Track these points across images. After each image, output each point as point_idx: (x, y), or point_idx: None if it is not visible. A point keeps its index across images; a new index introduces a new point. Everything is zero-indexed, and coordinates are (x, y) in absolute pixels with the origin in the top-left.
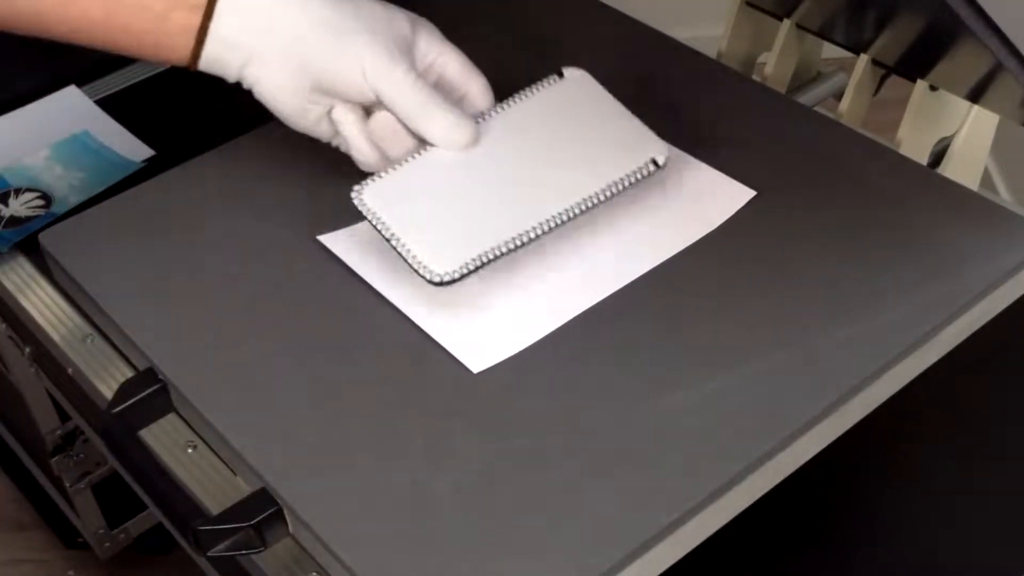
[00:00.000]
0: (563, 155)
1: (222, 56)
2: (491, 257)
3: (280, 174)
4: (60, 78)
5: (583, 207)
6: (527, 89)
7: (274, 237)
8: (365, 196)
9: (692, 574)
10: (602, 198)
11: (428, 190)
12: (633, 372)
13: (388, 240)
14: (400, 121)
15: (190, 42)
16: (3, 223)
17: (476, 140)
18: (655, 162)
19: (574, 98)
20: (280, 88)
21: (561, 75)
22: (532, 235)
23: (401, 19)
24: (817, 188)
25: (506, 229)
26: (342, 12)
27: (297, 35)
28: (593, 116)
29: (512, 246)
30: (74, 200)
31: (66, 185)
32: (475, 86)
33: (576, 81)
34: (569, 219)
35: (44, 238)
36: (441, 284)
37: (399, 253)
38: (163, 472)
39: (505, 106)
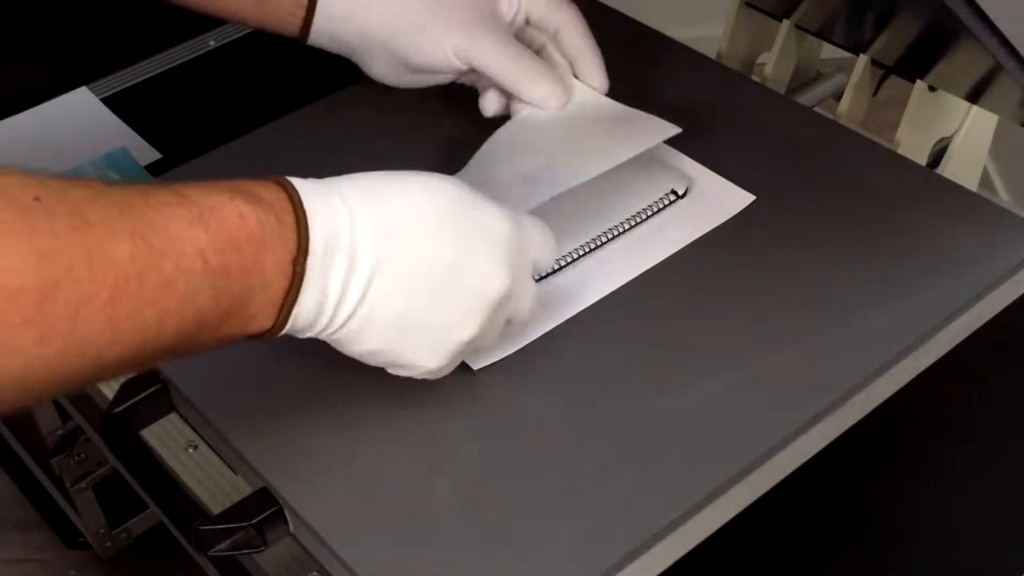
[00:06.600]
0: (585, 199)
1: (329, 46)
2: None
3: (281, 174)
4: (70, 77)
5: (608, 236)
6: None
7: None
8: None
9: (692, 574)
10: (626, 227)
11: None
12: (633, 372)
13: None
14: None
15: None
16: None
17: (567, 98)
18: (675, 192)
19: None
20: (384, 76)
21: None
22: (561, 263)
23: None
24: (816, 188)
25: None
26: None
27: (383, 39)
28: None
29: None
30: None
31: None
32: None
33: None
34: (595, 248)
35: None
36: None
37: None
38: (164, 472)
39: None
